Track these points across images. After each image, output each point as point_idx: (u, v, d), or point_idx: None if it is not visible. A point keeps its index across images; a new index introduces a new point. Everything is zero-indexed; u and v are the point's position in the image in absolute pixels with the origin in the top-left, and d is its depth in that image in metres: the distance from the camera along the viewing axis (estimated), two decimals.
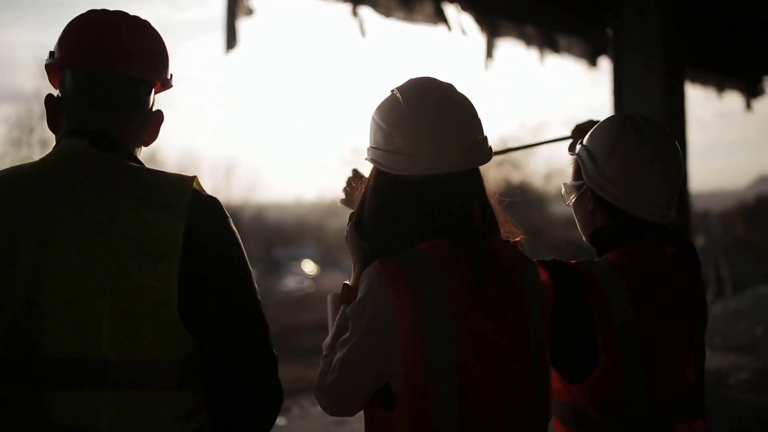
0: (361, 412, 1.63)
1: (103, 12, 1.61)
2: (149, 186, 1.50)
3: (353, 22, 5.19)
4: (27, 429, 1.42)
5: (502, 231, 1.67)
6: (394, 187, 1.60)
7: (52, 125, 1.60)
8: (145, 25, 1.63)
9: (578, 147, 2.01)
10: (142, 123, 1.61)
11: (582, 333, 1.79)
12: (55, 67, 1.60)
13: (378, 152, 1.62)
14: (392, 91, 1.66)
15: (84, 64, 1.56)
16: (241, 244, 1.55)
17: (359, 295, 1.54)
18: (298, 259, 34.97)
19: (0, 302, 1.43)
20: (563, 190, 2.04)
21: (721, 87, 9.37)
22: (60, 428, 1.41)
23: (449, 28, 5.68)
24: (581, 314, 1.79)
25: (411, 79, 1.67)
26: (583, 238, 2.04)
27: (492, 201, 1.66)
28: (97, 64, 1.55)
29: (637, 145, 1.92)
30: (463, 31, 5.82)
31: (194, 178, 1.54)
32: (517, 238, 1.70)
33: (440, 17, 5.63)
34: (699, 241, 14.81)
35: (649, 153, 1.92)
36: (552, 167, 30.00)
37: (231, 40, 4.49)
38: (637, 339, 1.81)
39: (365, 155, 1.67)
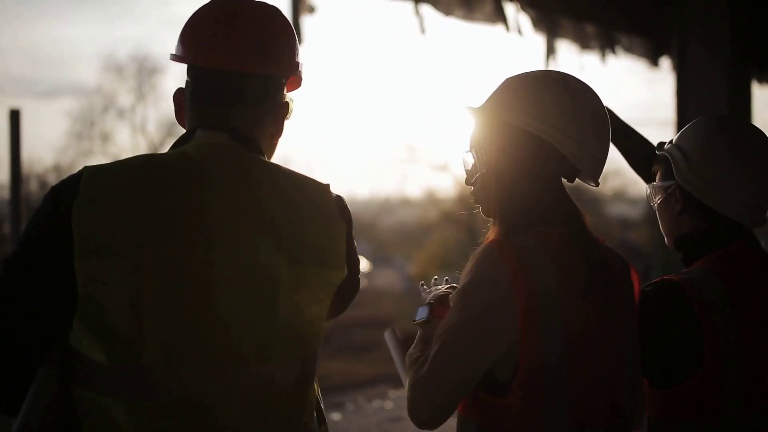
0: None
1: (224, 4, 1.54)
2: (300, 188, 1.49)
3: (411, 20, 5.21)
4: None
5: None
6: (546, 169, 1.63)
7: (179, 119, 1.58)
8: (268, 14, 1.57)
9: (667, 146, 1.98)
10: (267, 116, 1.56)
11: (688, 340, 1.78)
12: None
13: (557, 133, 1.60)
14: (573, 82, 1.66)
15: (206, 62, 1.50)
16: None
17: (470, 277, 1.55)
18: None
19: (163, 307, 1.35)
20: (648, 191, 2.02)
21: None
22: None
23: (507, 28, 5.64)
24: (687, 322, 1.78)
25: (584, 81, 1.68)
26: (666, 241, 2.01)
27: None
28: (221, 62, 1.49)
29: (734, 146, 1.90)
30: (520, 32, 5.77)
31: (328, 185, 1.53)
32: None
33: (499, 16, 5.59)
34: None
35: (747, 155, 1.89)
36: (607, 168, 29.46)
37: (298, 38, 4.51)
38: (739, 344, 1.79)
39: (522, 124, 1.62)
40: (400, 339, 1.89)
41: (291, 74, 1.57)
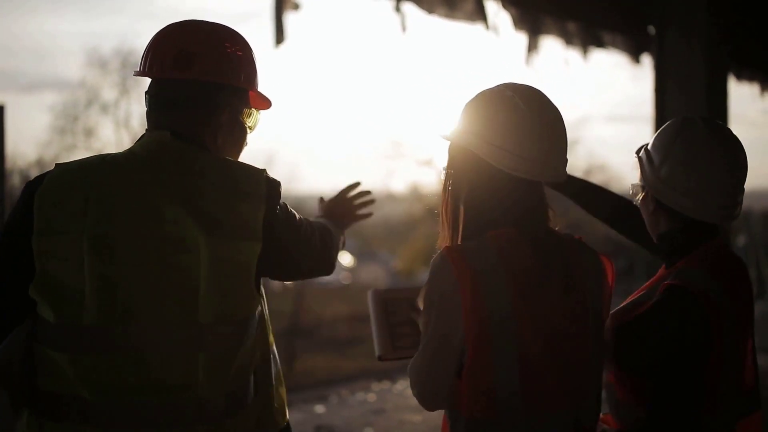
0: None
1: (174, 24, 1.83)
2: (231, 175, 1.72)
3: (394, 18, 5.22)
4: (134, 389, 1.62)
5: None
6: (491, 179, 1.73)
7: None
8: (204, 30, 1.81)
9: (642, 149, 2.05)
10: (202, 119, 1.78)
11: (700, 340, 1.84)
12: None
13: (484, 145, 1.72)
14: (503, 90, 1.76)
15: (150, 74, 1.79)
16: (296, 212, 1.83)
17: (428, 279, 1.71)
18: None
19: (106, 273, 1.62)
20: (631, 190, 2.08)
21: (766, 85, 9.21)
22: (162, 387, 1.63)
23: (487, 26, 5.68)
24: (702, 325, 1.84)
25: (522, 84, 1.78)
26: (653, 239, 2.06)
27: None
28: (161, 72, 1.77)
29: (691, 147, 1.93)
30: (497, 31, 5.81)
31: (264, 170, 1.77)
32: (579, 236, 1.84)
33: (480, 15, 5.63)
34: (740, 240, 14.56)
35: (705, 155, 1.92)
36: (592, 163, 29.69)
37: (279, 35, 4.49)
38: (734, 336, 1.88)
39: (452, 138, 1.77)
40: (381, 301, 2.03)
41: (218, 80, 1.77)
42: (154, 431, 1.63)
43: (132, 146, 1.77)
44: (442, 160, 1.84)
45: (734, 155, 1.96)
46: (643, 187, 2.01)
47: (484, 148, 1.72)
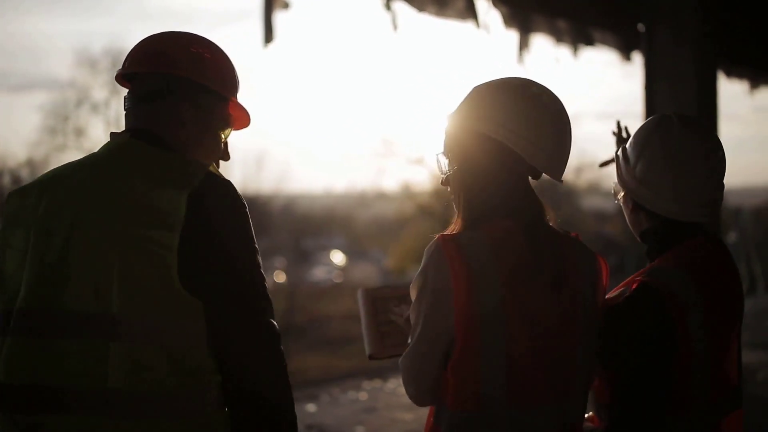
0: None
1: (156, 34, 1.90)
2: (167, 168, 1.72)
3: (385, 16, 5.23)
4: (43, 373, 1.65)
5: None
6: (510, 169, 1.74)
7: None
8: (176, 37, 1.87)
9: (620, 148, 2.04)
10: (165, 113, 1.80)
11: (664, 341, 1.81)
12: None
13: (510, 135, 1.72)
14: (528, 85, 1.77)
15: (121, 70, 1.86)
16: (247, 223, 1.72)
17: (421, 269, 1.70)
18: (327, 249, 35.18)
19: (41, 260, 1.70)
20: (613, 188, 2.07)
21: (754, 82, 9.25)
22: (71, 374, 1.64)
23: (477, 25, 5.69)
24: (665, 326, 1.81)
25: (541, 84, 1.79)
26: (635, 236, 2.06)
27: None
28: (131, 66, 1.84)
29: (665, 146, 1.90)
30: (487, 29, 5.82)
31: (211, 165, 1.79)
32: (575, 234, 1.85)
33: (470, 13, 5.64)
34: (731, 237, 14.63)
35: (679, 153, 1.89)
36: (583, 161, 29.76)
37: (268, 34, 4.50)
38: (706, 339, 1.84)
39: (479, 127, 1.74)
40: (371, 300, 2.04)
41: (177, 73, 1.81)
42: (59, 418, 1.63)
43: (99, 149, 1.83)
44: (445, 144, 1.82)
45: (710, 152, 1.92)
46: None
47: (511, 139, 1.71)
